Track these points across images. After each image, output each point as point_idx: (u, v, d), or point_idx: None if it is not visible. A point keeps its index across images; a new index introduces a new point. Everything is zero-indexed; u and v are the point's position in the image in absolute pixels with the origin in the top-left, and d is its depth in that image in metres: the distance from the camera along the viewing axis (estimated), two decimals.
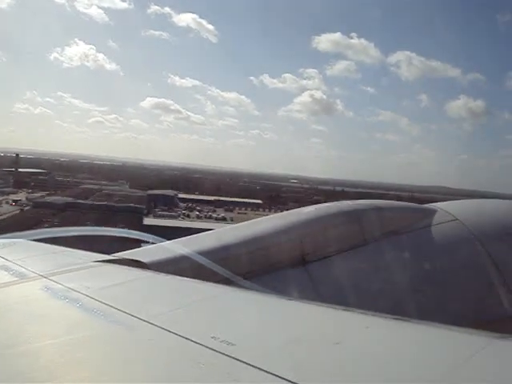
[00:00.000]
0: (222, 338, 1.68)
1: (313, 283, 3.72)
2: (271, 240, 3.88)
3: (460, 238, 4.08)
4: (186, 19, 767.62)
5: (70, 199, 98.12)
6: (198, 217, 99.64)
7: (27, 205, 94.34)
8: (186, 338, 1.72)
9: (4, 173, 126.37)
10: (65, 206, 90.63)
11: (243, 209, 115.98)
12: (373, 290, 3.69)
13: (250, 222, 4.58)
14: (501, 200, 5.13)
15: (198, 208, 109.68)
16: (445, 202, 4.72)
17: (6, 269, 3.16)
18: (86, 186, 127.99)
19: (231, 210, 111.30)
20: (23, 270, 3.11)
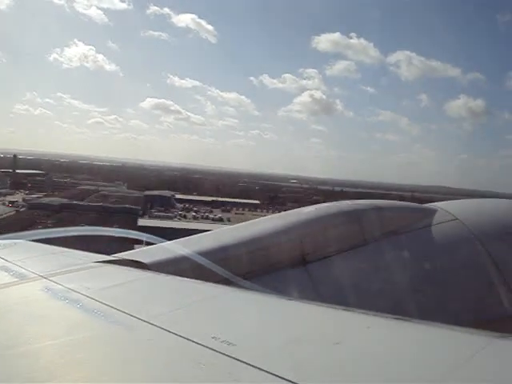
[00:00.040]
0: (222, 338, 1.67)
1: (313, 283, 3.72)
2: (271, 240, 3.88)
3: (460, 238, 4.08)
4: (185, 20, 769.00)
5: (65, 200, 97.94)
6: (195, 217, 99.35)
7: (23, 206, 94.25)
8: (187, 339, 1.72)
9: (1, 174, 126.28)
10: (60, 207, 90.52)
11: (241, 209, 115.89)
12: (373, 290, 3.69)
13: (249, 222, 4.57)
14: (501, 199, 5.13)
15: (194, 209, 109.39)
16: (445, 202, 4.72)
17: (6, 269, 3.16)
18: (83, 187, 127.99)
19: (228, 211, 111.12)
20: (23, 270, 3.11)
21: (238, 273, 3.52)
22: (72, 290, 2.53)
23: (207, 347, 1.61)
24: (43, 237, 4.41)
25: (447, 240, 4.12)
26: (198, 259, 3.50)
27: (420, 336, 1.70)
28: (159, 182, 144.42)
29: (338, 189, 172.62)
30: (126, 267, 3.25)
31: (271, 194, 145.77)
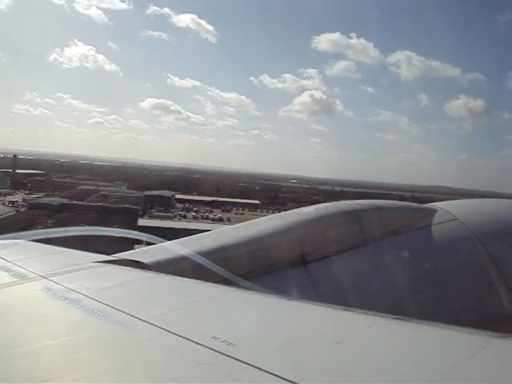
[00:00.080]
0: (222, 338, 1.67)
1: (313, 283, 3.72)
2: (271, 240, 3.88)
3: (460, 238, 4.08)
4: (185, 20, 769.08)
5: (65, 200, 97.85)
6: (195, 217, 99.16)
7: (23, 206, 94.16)
8: (187, 339, 1.72)
9: (1, 174, 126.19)
10: (60, 207, 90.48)
11: (241, 209, 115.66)
12: (373, 290, 3.69)
13: (250, 222, 4.57)
14: (501, 199, 5.13)
15: (194, 209, 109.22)
16: (445, 202, 4.72)
17: (6, 269, 3.16)
18: (83, 187, 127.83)
19: (228, 211, 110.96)
20: (23, 270, 3.11)
21: (238, 273, 3.52)
22: (72, 290, 2.53)
23: (207, 347, 1.61)
24: (43, 237, 4.41)
25: (447, 240, 4.12)
26: (198, 259, 3.50)
27: (420, 336, 1.70)
28: (159, 182, 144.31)
29: (337, 189, 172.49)
30: (126, 267, 3.25)
31: (271, 194, 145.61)
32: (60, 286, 2.63)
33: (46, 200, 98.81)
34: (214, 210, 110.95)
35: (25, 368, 1.66)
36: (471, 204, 4.97)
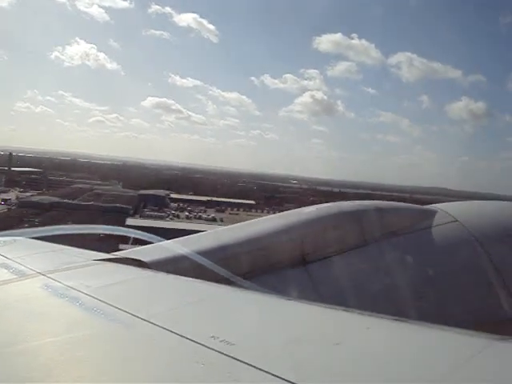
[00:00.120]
0: (221, 337, 1.67)
1: (313, 283, 3.72)
2: (271, 240, 3.88)
3: (460, 240, 4.08)
4: (186, 19, 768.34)
5: (55, 199, 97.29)
6: (188, 217, 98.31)
7: (16, 204, 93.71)
8: (186, 338, 1.72)
9: None
10: (50, 205, 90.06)
11: (235, 209, 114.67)
12: (373, 291, 3.69)
13: (250, 221, 4.58)
14: (501, 202, 5.13)
15: (188, 208, 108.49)
16: (445, 203, 4.72)
17: (6, 267, 3.16)
18: (78, 186, 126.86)
19: (223, 211, 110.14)
20: (23, 267, 3.11)
21: (238, 272, 3.52)
22: (71, 287, 2.53)
23: (206, 346, 1.61)
24: (43, 235, 4.41)
25: (447, 242, 4.12)
26: (198, 259, 3.50)
27: (419, 337, 1.69)
28: (157, 182, 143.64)
29: (336, 190, 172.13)
30: (125, 265, 3.25)
31: (267, 194, 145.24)
32: (59, 284, 2.63)
33: (37, 198, 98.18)
34: (208, 209, 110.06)
35: (24, 366, 1.66)
36: (471, 206, 4.98)
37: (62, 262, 3.25)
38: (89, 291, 2.43)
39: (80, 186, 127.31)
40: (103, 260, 3.34)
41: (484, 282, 3.86)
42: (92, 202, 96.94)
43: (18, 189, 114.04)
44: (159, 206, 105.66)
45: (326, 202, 4.71)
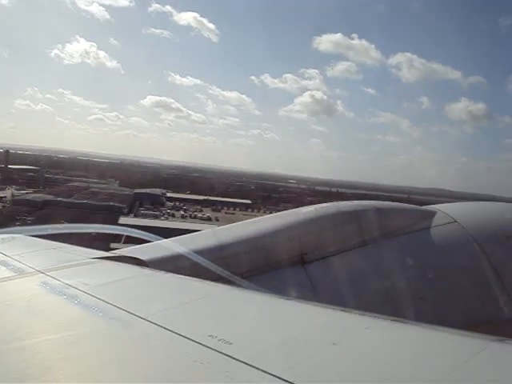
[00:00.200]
0: (219, 336, 1.67)
1: (311, 283, 3.72)
2: (270, 239, 3.89)
3: (458, 240, 4.09)
4: (186, 18, 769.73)
5: (49, 197, 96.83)
6: (183, 216, 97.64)
7: (10, 201, 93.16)
8: (184, 336, 1.72)
9: None
10: (43, 203, 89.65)
11: (232, 209, 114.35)
12: (371, 291, 3.70)
13: (249, 221, 4.57)
14: (500, 203, 5.14)
15: (184, 207, 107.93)
16: (444, 204, 4.72)
17: (5, 264, 3.15)
18: (74, 184, 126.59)
19: (219, 210, 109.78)
20: (21, 265, 3.10)
21: (236, 272, 3.52)
22: (70, 285, 2.53)
23: (204, 345, 1.61)
24: (42, 233, 4.41)
25: (445, 242, 4.13)
26: (197, 258, 3.50)
27: (417, 338, 1.70)
28: (155, 180, 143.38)
29: (334, 190, 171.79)
30: (124, 264, 3.25)
31: (264, 193, 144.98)
32: (58, 282, 2.63)
33: (30, 196, 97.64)
34: (204, 209, 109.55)
35: (22, 363, 1.65)
36: (470, 207, 4.98)
37: (60, 259, 3.24)
38: (87, 289, 2.43)
39: (77, 184, 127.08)
40: (102, 258, 3.33)
41: (482, 282, 3.87)
42: (86, 201, 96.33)
43: (14, 186, 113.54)
44: (155, 204, 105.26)
45: (324, 203, 4.71)
